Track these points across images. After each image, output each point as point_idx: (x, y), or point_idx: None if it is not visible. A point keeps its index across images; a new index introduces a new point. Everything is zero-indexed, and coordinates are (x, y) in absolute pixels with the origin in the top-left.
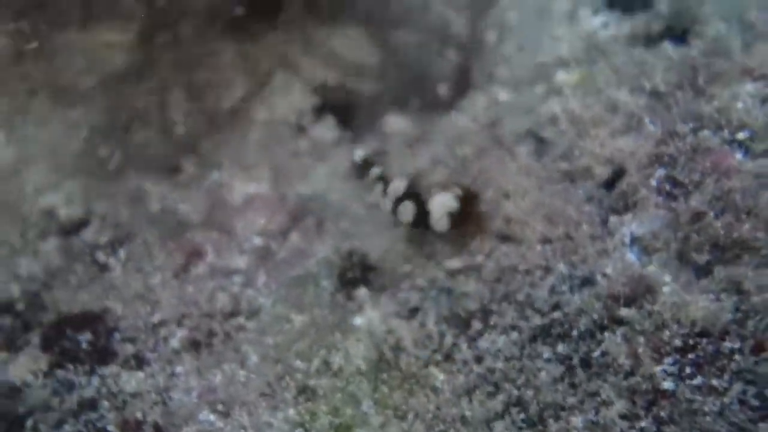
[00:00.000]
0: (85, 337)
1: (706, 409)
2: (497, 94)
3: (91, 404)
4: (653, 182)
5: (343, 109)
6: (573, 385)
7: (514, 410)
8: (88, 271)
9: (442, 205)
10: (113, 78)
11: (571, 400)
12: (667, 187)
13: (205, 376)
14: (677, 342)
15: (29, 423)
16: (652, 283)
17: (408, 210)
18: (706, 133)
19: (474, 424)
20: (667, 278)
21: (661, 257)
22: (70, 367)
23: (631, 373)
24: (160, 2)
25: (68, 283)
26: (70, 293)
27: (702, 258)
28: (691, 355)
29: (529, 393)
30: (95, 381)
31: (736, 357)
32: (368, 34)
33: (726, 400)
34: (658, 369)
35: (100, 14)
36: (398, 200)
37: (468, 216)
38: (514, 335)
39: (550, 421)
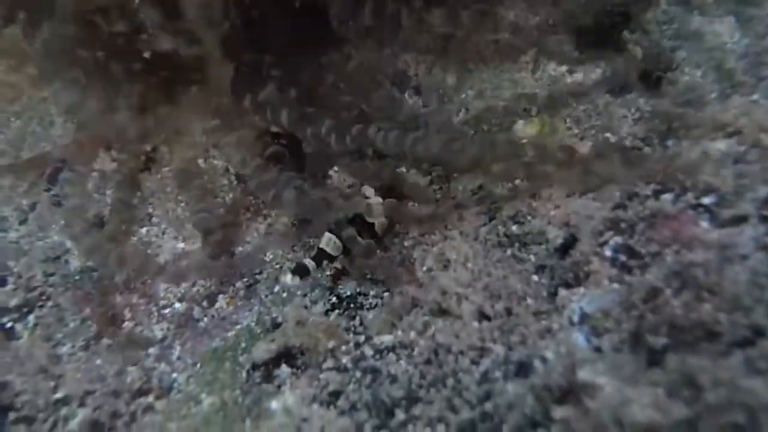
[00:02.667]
0: None
1: None
2: None
3: None
4: (608, 252)
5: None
6: None
7: None
8: None
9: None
10: None
11: None
12: (623, 258)
13: None
14: None
15: None
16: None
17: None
18: (668, 196)
19: None
20: (611, 376)
21: (611, 339)
22: None
23: None
24: None
25: None
26: None
27: (657, 341)
28: None
29: None
30: None
31: None
32: None
33: None
34: None
35: None
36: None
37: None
38: (441, 429)
39: None
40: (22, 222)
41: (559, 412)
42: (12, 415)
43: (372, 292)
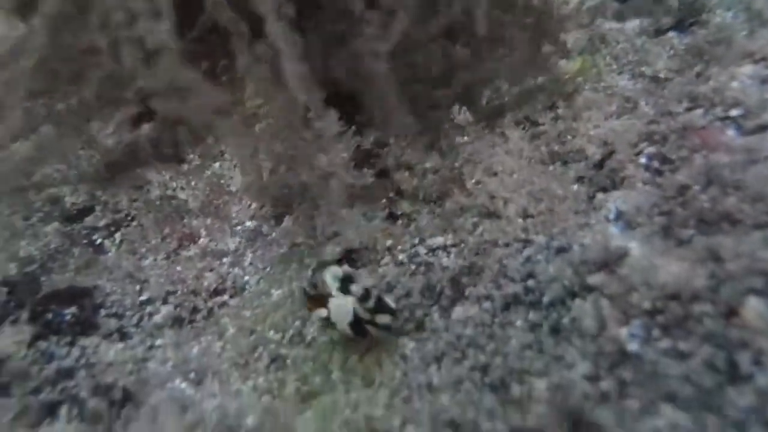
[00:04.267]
0: (69, 311)
1: (671, 372)
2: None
3: (68, 373)
4: (642, 159)
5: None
6: (540, 351)
7: (478, 375)
8: (85, 252)
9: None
10: None
11: (538, 365)
12: (656, 164)
13: (182, 348)
14: (645, 305)
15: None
16: (625, 250)
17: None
18: (698, 111)
19: (440, 389)
20: (640, 245)
21: (644, 231)
22: (52, 338)
23: (597, 336)
24: None
25: (64, 264)
26: (64, 273)
27: (686, 232)
28: (659, 318)
29: (497, 360)
30: (75, 352)
31: (706, 321)
32: None
33: (692, 363)
34: (623, 331)
35: None
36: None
37: None
38: (487, 304)
39: (514, 384)
40: (108, 158)
41: (594, 278)
42: (103, 312)
43: (425, 210)
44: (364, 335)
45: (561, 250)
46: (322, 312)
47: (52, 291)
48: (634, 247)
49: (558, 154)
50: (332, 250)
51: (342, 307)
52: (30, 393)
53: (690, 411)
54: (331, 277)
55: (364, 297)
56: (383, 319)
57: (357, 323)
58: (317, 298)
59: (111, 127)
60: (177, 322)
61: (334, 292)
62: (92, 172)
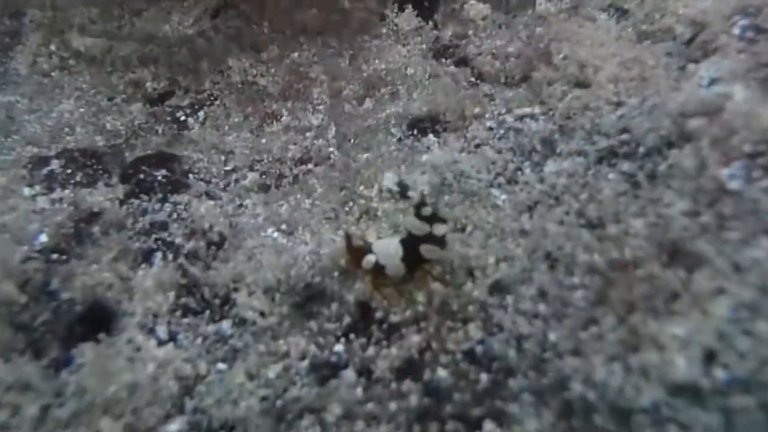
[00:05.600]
0: (160, 173)
1: None
2: None
3: (162, 225)
4: (736, 31)
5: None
6: (636, 197)
7: (573, 218)
8: (169, 128)
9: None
10: None
11: (633, 208)
12: (750, 33)
13: (272, 206)
14: (746, 148)
15: (103, 242)
16: (724, 100)
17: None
18: None
19: (532, 233)
20: (741, 91)
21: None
22: (144, 196)
23: (696, 177)
24: None
25: (149, 138)
26: (150, 145)
27: None
28: (759, 160)
29: (592, 205)
30: (167, 207)
31: None
32: None
33: None
34: (724, 172)
35: None
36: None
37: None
38: (580, 159)
39: (610, 225)
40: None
41: (694, 123)
42: (192, 176)
43: (507, 90)
44: (417, 265)
45: (656, 107)
46: (371, 258)
47: (143, 156)
48: (738, 91)
49: (646, 33)
50: (419, 108)
51: (388, 246)
52: (126, 240)
53: None
54: (390, 182)
55: (421, 203)
56: (440, 229)
57: (409, 254)
58: (357, 251)
59: (191, 18)
60: (264, 187)
61: (389, 202)
62: (174, 58)
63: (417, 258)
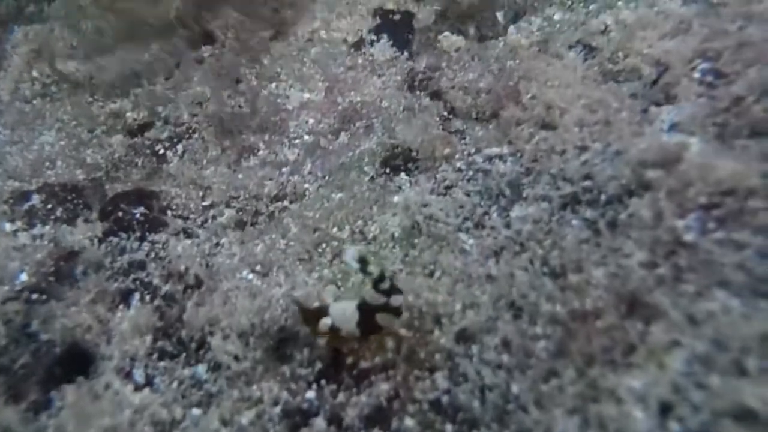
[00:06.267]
0: (139, 210)
1: (726, 260)
2: (552, 14)
3: (140, 265)
4: (696, 74)
5: (401, 31)
6: (598, 245)
7: (537, 265)
8: (148, 161)
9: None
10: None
11: (595, 257)
12: (710, 78)
13: (247, 245)
14: (702, 199)
15: (82, 282)
16: (682, 149)
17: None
18: (753, 29)
19: (498, 279)
20: (697, 143)
21: (699, 137)
22: (123, 234)
23: (654, 228)
24: None
25: (129, 171)
26: (129, 179)
27: (739, 142)
28: (714, 212)
29: (555, 252)
30: (145, 246)
31: (761, 215)
32: None
33: (746, 253)
34: (680, 223)
35: None
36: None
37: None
38: (545, 204)
39: (572, 274)
40: (168, 78)
41: (652, 174)
42: (170, 212)
43: (477, 127)
44: (372, 331)
45: (618, 153)
46: (326, 321)
47: (121, 192)
48: (694, 143)
49: (612, 72)
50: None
51: (344, 310)
52: (105, 281)
53: (742, 296)
54: (350, 258)
55: (380, 278)
56: (397, 300)
57: (364, 319)
58: (312, 312)
59: (171, 47)
60: (240, 224)
61: (353, 274)
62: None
63: (372, 324)
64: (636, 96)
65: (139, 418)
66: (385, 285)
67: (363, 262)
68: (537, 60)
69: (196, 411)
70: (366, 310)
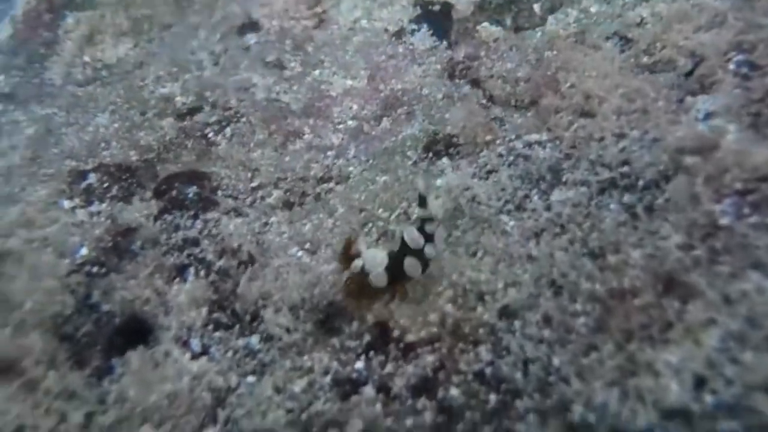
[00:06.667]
0: (191, 190)
1: (760, 243)
2: (589, 6)
3: (194, 241)
4: (731, 66)
5: (440, 21)
6: (635, 228)
7: (577, 246)
8: (197, 144)
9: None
10: None
11: (632, 239)
12: (745, 69)
13: (295, 224)
14: (737, 185)
15: (140, 257)
16: (718, 137)
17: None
18: None
19: (539, 259)
20: (734, 130)
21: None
22: (177, 212)
23: (690, 211)
24: None
25: (179, 153)
26: (180, 160)
27: None
28: (749, 197)
29: (594, 234)
30: (198, 224)
31: None
32: None
33: None
34: (717, 208)
35: None
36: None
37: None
38: (584, 189)
39: (611, 255)
40: (215, 63)
41: (689, 160)
42: (220, 192)
43: (516, 115)
44: (397, 280)
45: (656, 140)
46: (358, 263)
47: (174, 173)
48: (731, 131)
49: (648, 64)
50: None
51: (376, 255)
52: (161, 256)
53: None
54: (421, 185)
55: (428, 218)
56: (430, 250)
57: (391, 269)
58: (348, 255)
59: (218, 35)
60: (288, 204)
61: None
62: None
63: (399, 273)
64: (672, 86)
65: (197, 384)
66: (432, 228)
67: (425, 197)
68: (574, 51)
69: (250, 379)
70: (395, 260)
